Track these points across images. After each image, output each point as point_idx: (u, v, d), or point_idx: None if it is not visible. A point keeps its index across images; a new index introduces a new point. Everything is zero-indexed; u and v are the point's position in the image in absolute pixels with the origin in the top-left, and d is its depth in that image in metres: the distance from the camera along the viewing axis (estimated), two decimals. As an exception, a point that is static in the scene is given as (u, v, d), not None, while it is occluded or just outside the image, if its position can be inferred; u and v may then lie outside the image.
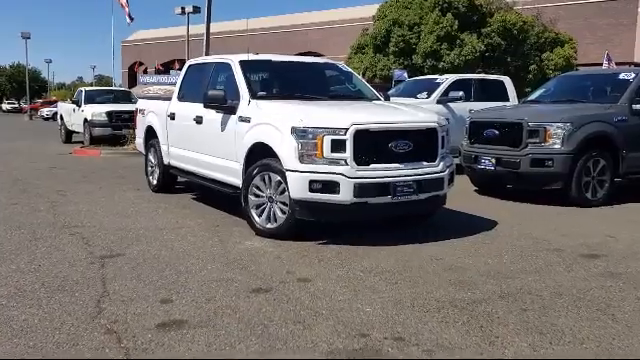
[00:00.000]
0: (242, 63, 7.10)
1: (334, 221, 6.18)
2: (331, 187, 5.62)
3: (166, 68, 66.17)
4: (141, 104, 10.04)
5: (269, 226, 6.19)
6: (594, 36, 35.58)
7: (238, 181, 6.65)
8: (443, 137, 6.24)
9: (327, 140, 5.62)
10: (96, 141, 18.12)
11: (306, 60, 7.78)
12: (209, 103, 6.83)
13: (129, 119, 18.19)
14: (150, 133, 9.36)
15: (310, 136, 5.67)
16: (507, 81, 13.26)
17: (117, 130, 18.12)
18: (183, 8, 36.53)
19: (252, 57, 7.35)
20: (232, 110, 6.74)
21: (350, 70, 7.98)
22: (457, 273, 5.03)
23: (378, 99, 7.41)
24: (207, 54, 16.31)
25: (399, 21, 21.43)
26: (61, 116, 21.82)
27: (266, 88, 7.01)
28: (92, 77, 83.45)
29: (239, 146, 6.56)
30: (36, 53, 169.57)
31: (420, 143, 5.98)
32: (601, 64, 22.47)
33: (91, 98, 19.85)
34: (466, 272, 5.06)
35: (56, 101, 45.76)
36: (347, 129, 5.63)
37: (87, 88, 21.76)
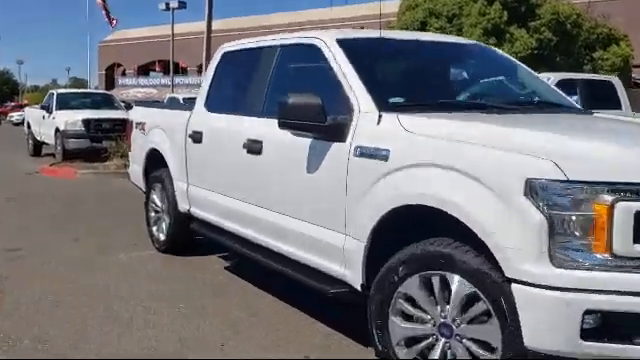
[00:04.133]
0: (344, 44, 3.78)
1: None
2: (636, 328, 2.34)
3: (146, 70, 62.47)
4: (138, 114, 6.64)
5: (444, 389, 2.86)
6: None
7: (352, 274, 3.33)
8: None
9: (624, 212, 2.34)
10: (71, 156, 14.65)
11: (443, 39, 4.54)
12: (290, 120, 3.49)
13: (111, 129, 14.87)
14: (154, 160, 6.00)
15: (577, 202, 2.39)
16: (617, 82, 10.24)
17: (97, 142, 14.71)
18: (167, 4, 33.15)
19: (356, 34, 4.04)
20: (337, 133, 3.42)
21: (509, 56, 4.68)
22: None
23: (575, 107, 4.16)
24: (208, 52, 12.83)
25: (436, 11, 18.14)
26: (28, 124, 18.22)
27: (398, 91, 3.66)
28: (67, 79, 79.40)
29: (358, 205, 3.25)
30: (7, 54, 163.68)
31: None
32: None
33: (64, 103, 16.27)
34: None
35: (28, 105, 41.99)
36: (674, 187, 2.36)
37: (60, 90, 18.17)
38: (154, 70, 60.76)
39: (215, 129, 4.83)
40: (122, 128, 15.17)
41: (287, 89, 4.14)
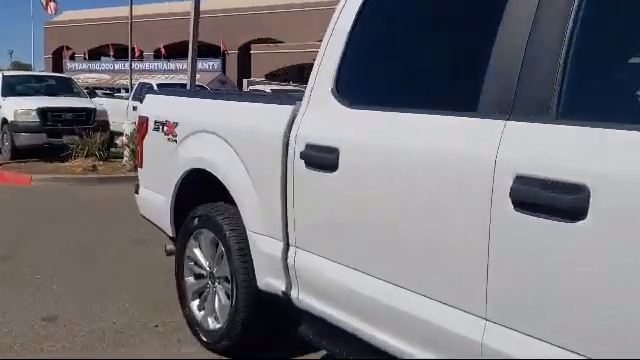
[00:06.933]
0: None
1: None
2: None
3: (97, 54, 58.20)
4: (160, 106, 3.95)
5: None
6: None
7: None
8: None
9: None
10: (22, 154, 11.72)
11: None
12: None
13: (73, 120, 12.03)
14: (199, 188, 3.41)
15: None
16: None
17: (55, 137, 11.83)
18: (127, -20, 29.85)
19: None
20: None
21: None
22: None
23: None
24: (195, 33, 10.04)
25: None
26: (-34, 113, 15.03)
27: None
28: (9, 64, 74.04)
29: None
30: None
31: None
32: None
33: (12, 88, 13.19)
34: None
35: (-35, 90, 37.79)
36: None
37: (7, 73, 15.02)
38: (106, 54, 56.74)
39: (381, 145, 2.26)
40: (87, 120, 12.36)
41: None
